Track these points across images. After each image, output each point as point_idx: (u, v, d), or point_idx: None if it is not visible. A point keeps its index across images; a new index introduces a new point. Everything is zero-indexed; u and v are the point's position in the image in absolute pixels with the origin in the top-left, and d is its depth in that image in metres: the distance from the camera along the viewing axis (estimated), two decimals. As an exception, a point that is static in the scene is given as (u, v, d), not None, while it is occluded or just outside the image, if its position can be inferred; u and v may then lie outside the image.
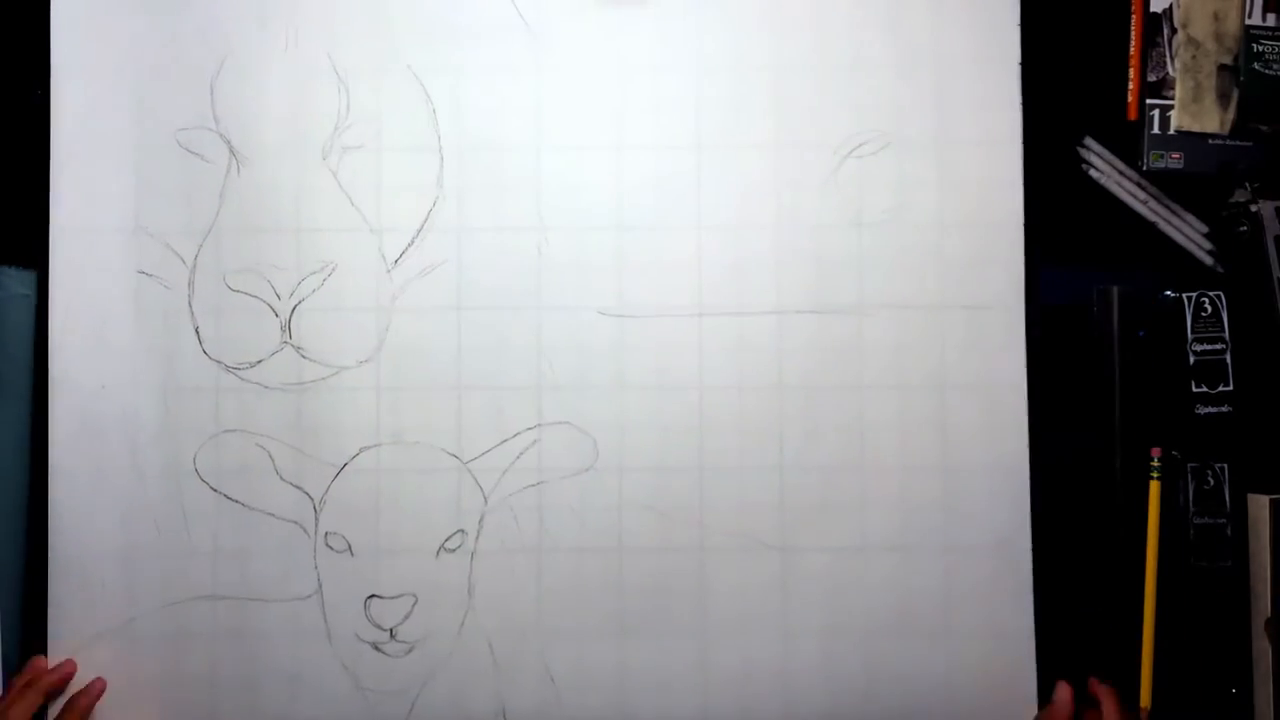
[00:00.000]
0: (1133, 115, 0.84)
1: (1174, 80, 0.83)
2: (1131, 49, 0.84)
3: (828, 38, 0.83)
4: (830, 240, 0.82)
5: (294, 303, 0.82)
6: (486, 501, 0.82)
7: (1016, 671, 0.81)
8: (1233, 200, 0.83)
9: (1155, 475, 0.81)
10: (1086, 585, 0.82)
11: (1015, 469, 0.82)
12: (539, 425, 0.82)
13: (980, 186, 0.82)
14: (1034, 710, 0.80)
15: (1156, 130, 0.84)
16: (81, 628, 0.81)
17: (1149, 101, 0.84)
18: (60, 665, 0.80)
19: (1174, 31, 0.83)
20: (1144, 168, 0.84)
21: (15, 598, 0.82)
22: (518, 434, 0.82)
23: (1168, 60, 0.83)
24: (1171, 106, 0.83)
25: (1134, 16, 0.84)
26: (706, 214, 0.83)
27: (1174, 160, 0.83)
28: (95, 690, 0.80)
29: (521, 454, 0.82)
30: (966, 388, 0.82)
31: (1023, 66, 0.83)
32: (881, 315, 0.82)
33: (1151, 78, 0.84)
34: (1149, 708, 0.80)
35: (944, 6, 0.83)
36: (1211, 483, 0.82)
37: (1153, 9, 0.84)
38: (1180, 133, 0.83)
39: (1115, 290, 0.82)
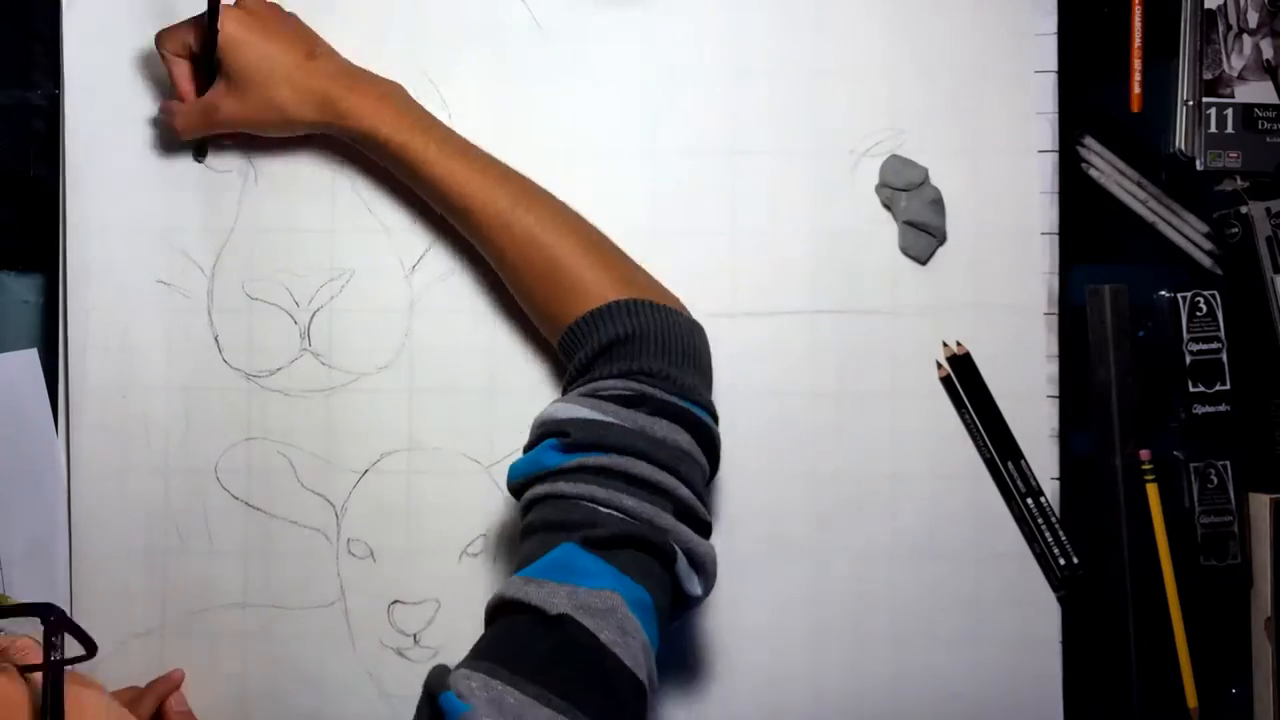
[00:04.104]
0: (1136, 107, 0.83)
1: (1230, 78, 0.82)
2: (1134, 42, 0.83)
3: (860, 41, 0.82)
4: (860, 242, 0.82)
5: (313, 309, 0.82)
6: (508, 505, 0.82)
7: (1043, 680, 0.81)
8: (1220, 188, 0.83)
9: (1149, 478, 0.81)
10: (1104, 592, 0.82)
11: (1045, 473, 0.82)
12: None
13: (1012, 190, 0.82)
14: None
15: (1214, 129, 0.83)
16: (106, 635, 0.80)
17: (1205, 100, 0.82)
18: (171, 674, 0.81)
19: (1229, 28, 0.82)
20: (1202, 167, 0.82)
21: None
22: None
23: (1223, 58, 0.82)
24: (1228, 105, 0.82)
25: (1135, 8, 0.83)
26: (740, 218, 0.82)
27: (1232, 159, 0.82)
28: (174, 679, 0.80)
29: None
30: (996, 393, 0.82)
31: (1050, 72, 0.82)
32: (915, 318, 0.82)
33: (1208, 75, 0.82)
34: (1197, 707, 0.81)
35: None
36: (1215, 481, 0.82)
37: (1207, 5, 0.83)
38: (1240, 131, 0.82)
39: (1106, 289, 0.82)
